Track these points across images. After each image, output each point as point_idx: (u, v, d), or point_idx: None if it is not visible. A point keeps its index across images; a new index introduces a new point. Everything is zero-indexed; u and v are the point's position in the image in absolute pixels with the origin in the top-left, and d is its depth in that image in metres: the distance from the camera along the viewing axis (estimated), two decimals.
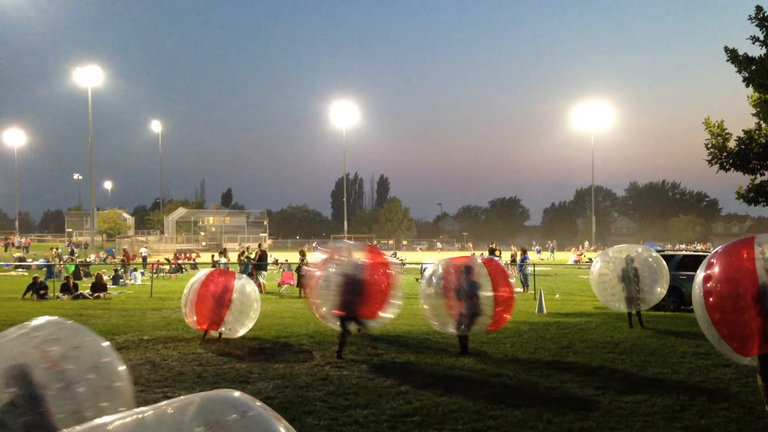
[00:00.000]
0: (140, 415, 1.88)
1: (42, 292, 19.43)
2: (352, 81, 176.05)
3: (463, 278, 9.70)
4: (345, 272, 9.69)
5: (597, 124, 66.50)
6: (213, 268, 14.26)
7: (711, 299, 6.38)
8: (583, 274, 29.94)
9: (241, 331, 10.86)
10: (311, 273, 10.31)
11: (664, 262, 12.72)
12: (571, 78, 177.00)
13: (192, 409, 1.75)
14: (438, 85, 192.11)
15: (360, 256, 10.03)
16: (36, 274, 21.96)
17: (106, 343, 3.99)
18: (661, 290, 12.25)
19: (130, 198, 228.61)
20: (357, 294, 9.57)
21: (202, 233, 73.69)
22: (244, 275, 14.00)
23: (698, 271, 6.78)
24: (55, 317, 4.06)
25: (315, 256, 10.76)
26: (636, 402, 6.81)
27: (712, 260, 6.62)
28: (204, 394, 1.86)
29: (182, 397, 2.00)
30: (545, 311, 15.37)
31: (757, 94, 14.66)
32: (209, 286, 10.77)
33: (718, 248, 6.97)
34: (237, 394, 1.94)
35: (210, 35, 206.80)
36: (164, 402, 1.99)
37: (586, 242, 75.21)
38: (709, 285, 6.43)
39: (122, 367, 3.88)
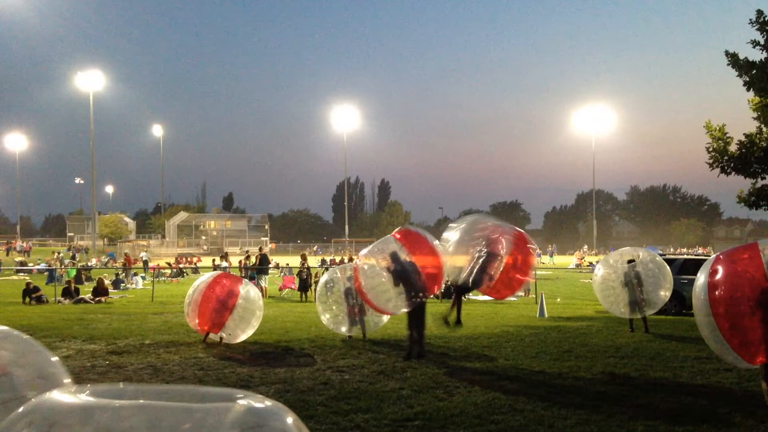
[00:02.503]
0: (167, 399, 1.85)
1: (35, 294, 19.41)
2: (354, 85, 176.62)
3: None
4: (399, 268, 9.67)
5: (598, 128, 66.59)
6: (220, 271, 14.23)
7: (721, 309, 6.28)
8: (584, 278, 29.93)
9: (241, 337, 10.85)
10: (360, 275, 10.10)
11: (667, 266, 12.68)
12: (572, 82, 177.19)
13: (234, 412, 1.73)
14: (439, 89, 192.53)
15: (402, 247, 9.86)
16: (29, 279, 22.00)
17: (55, 358, 3.85)
18: (664, 294, 12.20)
19: (131, 202, 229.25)
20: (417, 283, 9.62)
21: (204, 237, 73.65)
22: (250, 282, 13.96)
23: (699, 277, 6.71)
24: (3, 327, 3.93)
25: (360, 259, 10.58)
26: (637, 406, 6.80)
27: (716, 267, 6.48)
28: (248, 402, 1.84)
29: (211, 390, 1.99)
30: (546, 315, 15.37)
31: (757, 98, 14.68)
32: (215, 288, 10.75)
33: (720, 255, 6.86)
34: (277, 405, 1.92)
35: (211, 40, 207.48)
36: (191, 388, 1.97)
37: (585, 246, 75.12)
38: (717, 294, 6.34)
39: (67, 380, 3.83)
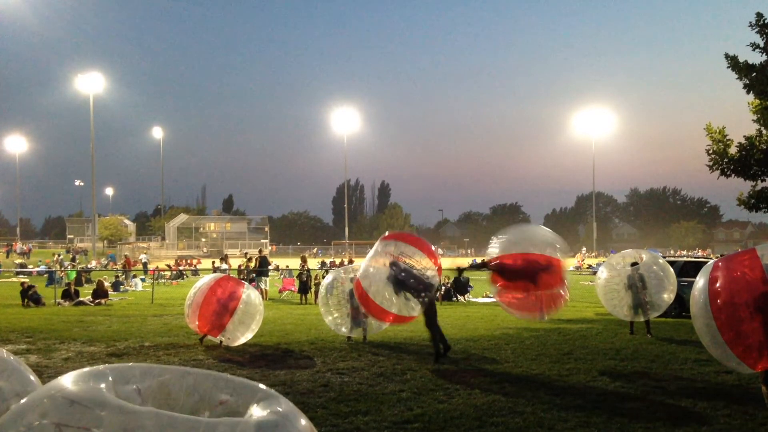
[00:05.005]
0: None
1: (30, 293, 19.33)
2: (353, 87, 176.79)
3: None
4: (399, 272, 9.60)
5: (598, 130, 66.67)
6: (223, 274, 14.20)
7: (722, 316, 6.26)
8: (584, 280, 29.91)
9: (241, 340, 10.81)
10: (363, 284, 9.78)
11: (671, 268, 12.62)
12: (572, 84, 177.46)
13: (253, 421, 1.73)
14: (439, 92, 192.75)
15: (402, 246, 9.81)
16: (24, 281, 21.95)
17: (32, 375, 3.41)
18: (668, 296, 12.12)
19: (131, 204, 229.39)
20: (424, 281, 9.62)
21: (203, 239, 73.67)
22: (251, 285, 13.88)
23: (698, 281, 6.67)
24: None
25: (365, 263, 10.27)
26: (637, 409, 6.79)
27: (716, 274, 6.43)
28: (259, 416, 1.82)
29: (234, 379, 1.97)
30: (546, 317, 15.33)
31: (757, 101, 14.72)
32: (217, 290, 10.72)
33: (719, 262, 6.78)
34: (292, 409, 1.90)
35: (212, 42, 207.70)
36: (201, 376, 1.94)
37: (584, 248, 75.06)
38: (718, 302, 6.32)
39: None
